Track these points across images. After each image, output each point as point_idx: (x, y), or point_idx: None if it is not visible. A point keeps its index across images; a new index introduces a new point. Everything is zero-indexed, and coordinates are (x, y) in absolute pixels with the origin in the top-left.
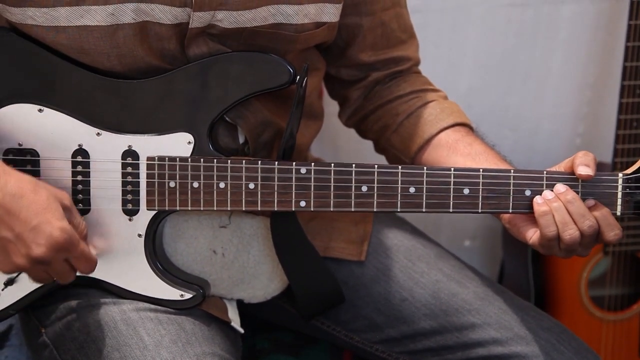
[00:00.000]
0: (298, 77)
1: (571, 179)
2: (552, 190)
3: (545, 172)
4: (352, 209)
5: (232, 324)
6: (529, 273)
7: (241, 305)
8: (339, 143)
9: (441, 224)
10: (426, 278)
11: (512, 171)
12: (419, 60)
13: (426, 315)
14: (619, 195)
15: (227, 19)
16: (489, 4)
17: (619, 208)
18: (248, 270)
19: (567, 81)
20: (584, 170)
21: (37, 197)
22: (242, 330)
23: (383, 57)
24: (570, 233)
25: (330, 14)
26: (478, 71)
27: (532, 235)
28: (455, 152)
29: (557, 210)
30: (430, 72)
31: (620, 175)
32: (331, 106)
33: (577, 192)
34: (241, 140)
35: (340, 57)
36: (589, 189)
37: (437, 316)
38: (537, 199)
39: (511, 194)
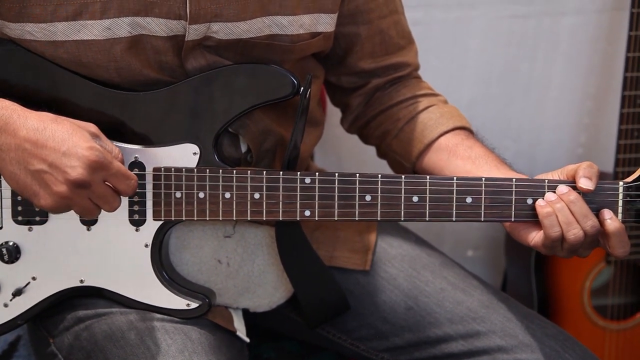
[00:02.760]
0: (302, 88)
1: (572, 187)
2: (554, 192)
3: (546, 180)
4: (356, 219)
5: (238, 333)
6: (531, 283)
7: (247, 315)
8: (341, 153)
9: (444, 234)
10: (431, 287)
11: (514, 180)
12: (418, 65)
13: (431, 324)
14: (620, 203)
15: (222, 30)
16: (490, 16)
17: (620, 216)
18: (253, 279)
19: (568, 92)
20: (585, 183)
21: (60, 126)
22: (247, 340)
23: (382, 64)
24: (574, 233)
25: (326, 24)
26: (479, 82)
27: (534, 237)
28: (455, 156)
29: (560, 210)
30: (432, 83)
31: (621, 183)
32: (334, 116)
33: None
34: (243, 149)
35: (340, 66)
36: (590, 197)
37: (442, 324)
38: (540, 202)
39: (513, 202)
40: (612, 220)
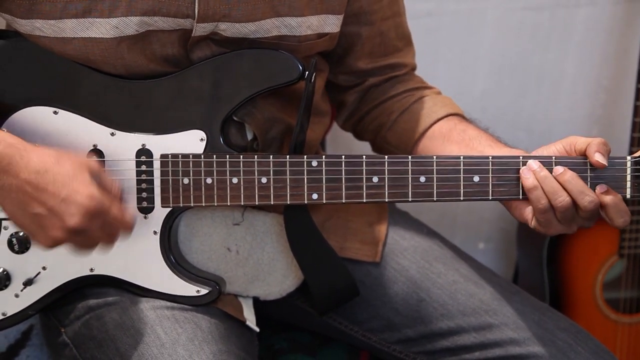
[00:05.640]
0: (307, 72)
1: (581, 163)
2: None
3: (553, 157)
4: (364, 200)
5: (248, 322)
6: (543, 275)
7: (259, 305)
8: (352, 145)
9: (455, 227)
10: (443, 279)
11: (520, 157)
12: (415, 66)
13: (443, 316)
14: (628, 178)
15: (230, 29)
16: (503, 7)
17: (628, 191)
18: (263, 267)
19: (581, 83)
20: (600, 158)
21: (61, 169)
22: (257, 329)
23: (380, 64)
24: (560, 200)
25: (332, 24)
26: (492, 74)
27: (531, 218)
28: (449, 141)
29: (544, 180)
30: (444, 75)
31: (629, 158)
32: None
33: (586, 177)
34: (249, 137)
35: (338, 64)
36: (598, 173)
37: (455, 316)
38: (525, 173)
39: (521, 180)
40: (606, 193)
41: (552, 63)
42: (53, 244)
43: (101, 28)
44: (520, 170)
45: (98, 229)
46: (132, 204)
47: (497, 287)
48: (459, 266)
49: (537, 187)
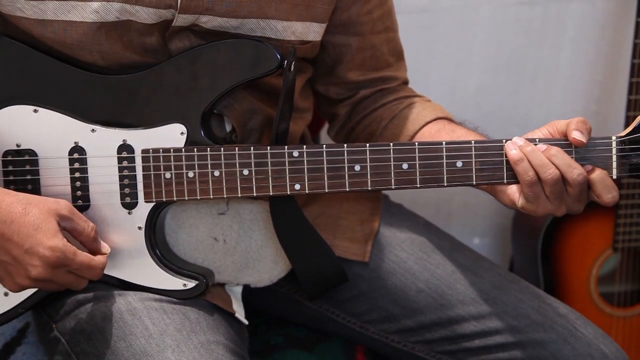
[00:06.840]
0: (285, 61)
1: (565, 145)
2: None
3: (537, 139)
4: (347, 189)
5: (237, 315)
6: (538, 270)
7: (252, 298)
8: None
9: (450, 222)
10: (442, 269)
11: (504, 141)
12: (407, 79)
13: (443, 306)
14: (614, 158)
15: (211, 22)
16: (497, 3)
17: (614, 171)
18: (252, 254)
19: (575, 79)
20: (578, 135)
21: (27, 219)
22: (246, 322)
23: (371, 76)
24: (550, 173)
25: (316, 32)
26: (486, 70)
27: (518, 197)
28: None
29: (531, 154)
30: (439, 71)
31: (614, 138)
32: None
33: (572, 158)
34: (228, 128)
35: (329, 75)
36: (583, 154)
37: (454, 306)
38: (510, 145)
39: (504, 164)
40: (591, 171)
41: (546, 58)
42: (19, 289)
43: (82, 12)
44: (505, 145)
45: (63, 275)
46: (115, 200)
47: (495, 276)
48: (457, 256)
49: (523, 159)
